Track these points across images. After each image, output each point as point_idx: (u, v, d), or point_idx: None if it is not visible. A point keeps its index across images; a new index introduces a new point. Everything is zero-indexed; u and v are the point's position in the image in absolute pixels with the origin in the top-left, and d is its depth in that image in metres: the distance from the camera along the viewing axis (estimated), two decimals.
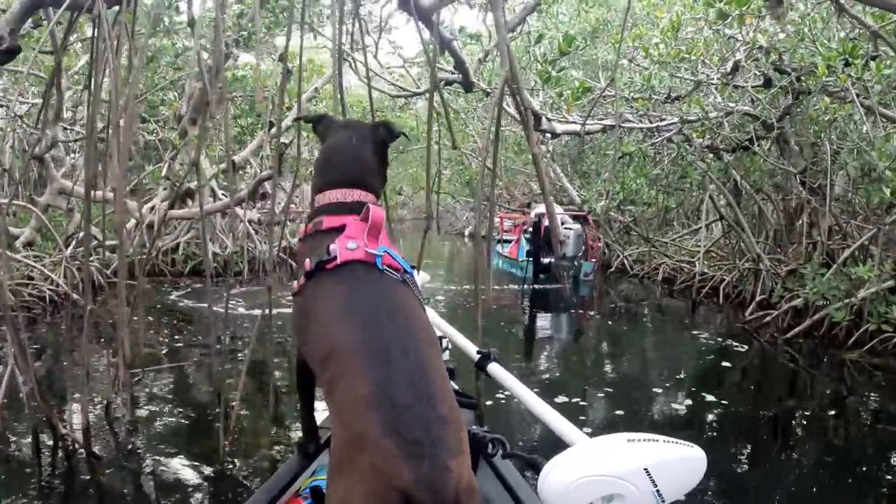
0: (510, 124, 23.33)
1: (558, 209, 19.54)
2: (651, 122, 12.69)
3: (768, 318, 12.21)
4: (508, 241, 23.87)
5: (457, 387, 3.18)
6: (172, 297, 14.13)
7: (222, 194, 15.99)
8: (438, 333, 3.01)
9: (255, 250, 16.38)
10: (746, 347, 11.31)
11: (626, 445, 1.70)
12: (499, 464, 2.67)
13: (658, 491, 1.66)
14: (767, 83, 11.30)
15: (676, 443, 1.73)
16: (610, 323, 13.98)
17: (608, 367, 10.30)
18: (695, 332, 12.83)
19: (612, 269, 20.51)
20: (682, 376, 9.66)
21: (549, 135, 11.73)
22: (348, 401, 1.79)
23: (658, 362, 10.76)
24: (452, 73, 7.93)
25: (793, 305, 11.89)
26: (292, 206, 23.53)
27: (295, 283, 2.18)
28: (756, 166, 13.90)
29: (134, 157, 17.90)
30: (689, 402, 8.14)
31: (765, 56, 10.69)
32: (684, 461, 1.73)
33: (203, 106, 15.24)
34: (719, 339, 11.99)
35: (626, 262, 20.53)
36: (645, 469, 1.65)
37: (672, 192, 20.96)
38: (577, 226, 18.87)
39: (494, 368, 2.57)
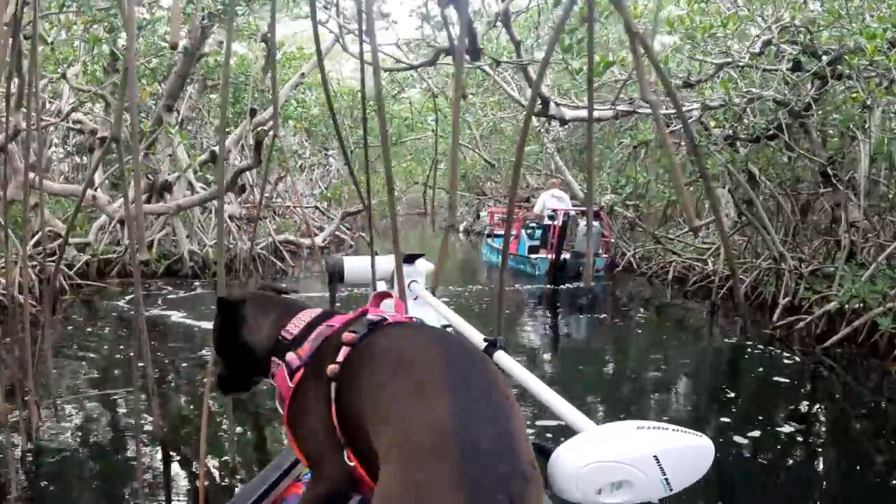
0: (510, 110, 22.60)
1: (568, 203, 19.16)
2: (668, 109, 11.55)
3: (801, 324, 11.04)
4: (501, 236, 22.79)
5: None
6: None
7: (200, 187, 14.79)
8: (443, 322, 3.25)
9: (235, 248, 15.13)
10: (780, 357, 10.08)
11: (635, 432, 1.66)
12: None
13: (666, 479, 1.61)
14: (797, 66, 10.26)
15: (685, 432, 1.69)
16: (629, 327, 12.91)
17: (643, 383, 9.05)
18: (722, 339, 11.88)
19: (620, 268, 19.35)
20: (720, 392, 8.53)
21: (556, 122, 10.72)
22: (415, 431, 1.52)
23: (692, 375, 9.53)
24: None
25: (826, 310, 10.76)
26: (276, 199, 22.68)
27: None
28: (774, 158, 12.87)
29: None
30: (729, 419, 7.13)
31: (796, 36, 9.67)
32: (693, 450, 1.68)
33: (179, 90, 14.12)
34: (748, 349, 10.75)
35: (632, 260, 19.29)
36: (654, 456, 1.60)
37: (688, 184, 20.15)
38: (596, 223, 17.70)
39: (501, 356, 2.44)
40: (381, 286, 3.70)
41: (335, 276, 3.88)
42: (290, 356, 1.95)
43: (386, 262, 3.78)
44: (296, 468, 2.66)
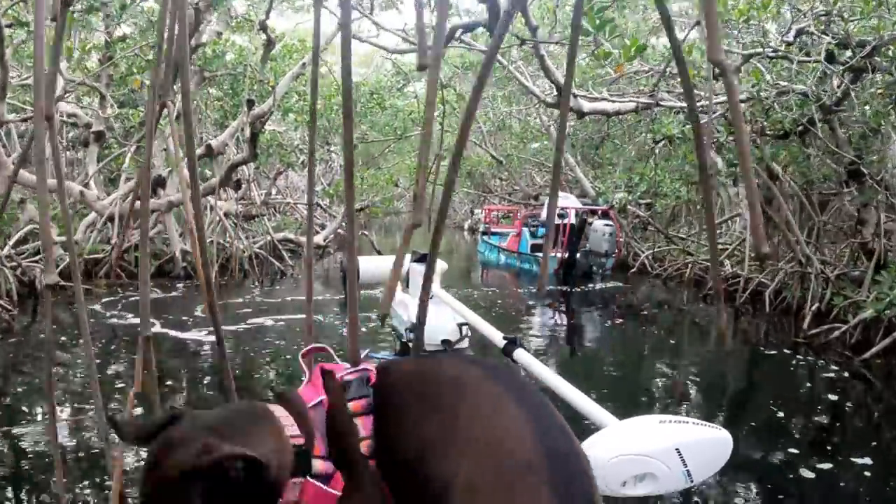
0: (520, 104, 21.87)
1: (575, 202, 18.46)
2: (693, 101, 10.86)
3: (836, 333, 10.28)
4: (499, 234, 22.67)
5: None
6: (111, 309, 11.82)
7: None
8: (460, 320, 3.54)
9: (231, 247, 14.37)
10: (817, 368, 9.30)
11: (658, 426, 1.70)
12: None
13: (688, 471, 1.64)
14: (830, 57, 9.54)
15: (705, 425, 1.72)
16: (648, 333, 12.10)
17: (667, 393, 8.27)
18: (749, 348, 10.90)
19: (634, 270, 18.47)
20: (760, 409, 7.71)
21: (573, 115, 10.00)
22: (501, 447, 1.49)
23: (722, 388, 8.66)
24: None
25: (863, 318, 10.02)
26: (276, 196, 21.99)
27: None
28: (796, 155, 12.17)
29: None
30: (775, 441, 6.31)
31: (829, 26, 8.98)
32: (713, 443, 1.71)
33: (169, 80, 13.37)
34: (781, 358, 9.92)
35: (646, 261, 18.44)
36: (676, 449, 1.63)
37: (696, 183, 19.42)
38: (610, 222, 17.58)
39: (521, 354, 2.46)
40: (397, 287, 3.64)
41: (355, 278, 3.53)
42: (320, 465, 1.68)
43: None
44: None
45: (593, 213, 17.77)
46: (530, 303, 14.52)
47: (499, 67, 11.65)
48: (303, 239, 18.73)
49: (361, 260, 4.00)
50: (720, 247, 17.42)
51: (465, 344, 3.84)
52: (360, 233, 22.17)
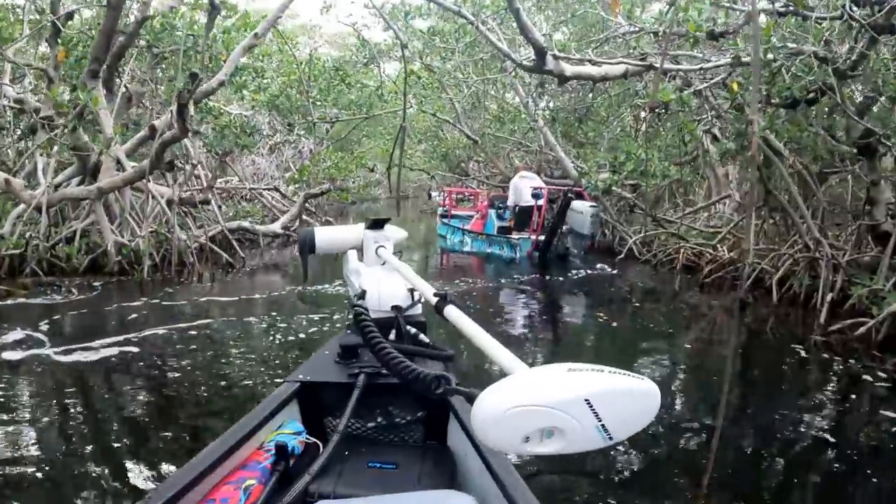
0: (495, 71, 20.52)
1: (539, 182, 17.99)
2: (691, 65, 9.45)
3: (863, 329, 8.93)
4: (459, 217, 21.58)
5: (427, 339, 3.41)
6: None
7: (132, 166, 12.55)
8: (408, 286, 3.42)
9: (173, 238, 12.82)
10: (849, 374, 7.91)
11: (565, 374, 1.47)
12: (464, 414, 2.77)
13: (603, 425, 1.45)
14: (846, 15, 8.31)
15: (624, 374, 1.48)
16: (642, 328, 10.55)
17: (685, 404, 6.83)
18: (763, 349, 9.46)
19: (622, 255, 16.89)
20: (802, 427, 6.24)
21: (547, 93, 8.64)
22: None
23: (751, 410, 6.96)
24: None
25: (893, 311, 8.71)
26: (234, 181, 20.51)
27: None
28: (803, 127, 10.89)
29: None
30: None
31: None
32: (633, 394, 1.49)
33: (104, 52, 11.91)
34: (801, 362, 8.52)
35: (634, 246, 17.01)
36: (585, 400, 1.43)
37: (686, 162, 18.15)
38: (595, 203, 16.73)
39: (451, 310, 2.35)
40: (353, 254, 4.04)
41: (306, 248, 3.92)
42: None
43: (356, 231, 3.95)
44: (258, 432, 2.67)
45: (567, 193, 16.58)
46: (513, 288, 13.11)
47: (469, 30, 10.23)
48: (260, 227, 17.26)
49: (317, 230, 4.01)
50: (711, 230, 16.18)
51: (417, 310, 3.63)
52: (324, 219, 20.84)
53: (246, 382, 6.92)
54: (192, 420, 6.01)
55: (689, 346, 9.51)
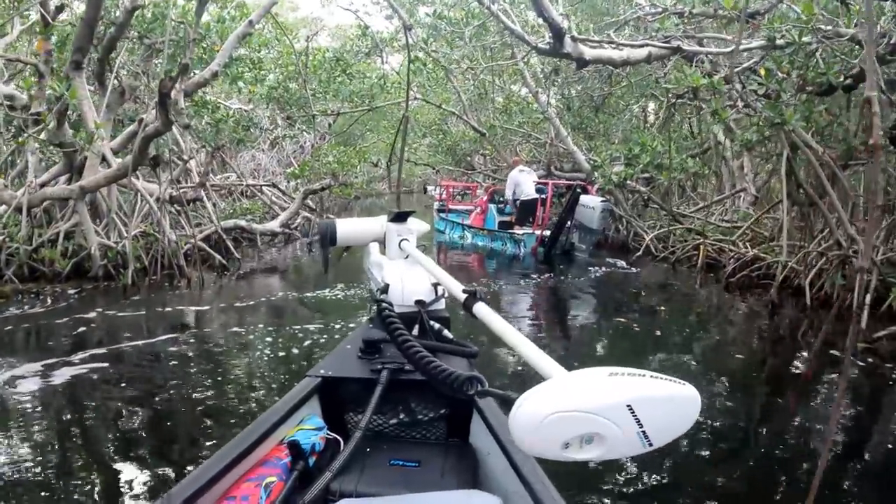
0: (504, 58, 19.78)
1: (534, 177, 17.69)
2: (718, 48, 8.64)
3: None
4: (457, 211, 21.23)
5: (451, 335, 3.31)
6: None
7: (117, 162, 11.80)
8: (432, 280, 3.39)
9: (163, 240, 12.02)
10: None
11: (606, 379, 1.44)
12: (488, 412, 2.74)
13: (644, 432, 1.42)
14: None
15: (666, 379, 1.46)
16: (664, 339, 9.46)
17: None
18: (807, 355, 8.65)
19: (640, 252, 16.13)
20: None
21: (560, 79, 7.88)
22: None
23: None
24: None
25: None
26: (221, 177, 19.74)
27: None
28: (836, 116, 10.17)
29: None
30: None
31: None
32: (674, 400, 1.47)
33: (88, 42, 11.15)
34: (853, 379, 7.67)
35: (651, 243, 16.22)
36: (627, 405, 1.40)
37: (698, 154, 17.43)
38: (605, 197, 16.25)
39: (480, 308, 2.29)
40: (374, 247, 4.02)
41: (327, 240, 3.85)
42: None
43: (378, 224, 3.85)
44: (279, 429, 2.62)
45: (569, 188, 16.27)
46: (511, 292, 12.30)
47: (478, 13, 9.47)
48: (257, 226, 16.50)
49: (339, 221, 3.90)
50: (727, 225, 15.43)
51: (440, 305, 3.48)
52: (325, 216, 20.06)
53: (233, 404, 6.17)
54: (174, 445, 5.32)
55: (718, 352, 8.69)
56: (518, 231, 16.82)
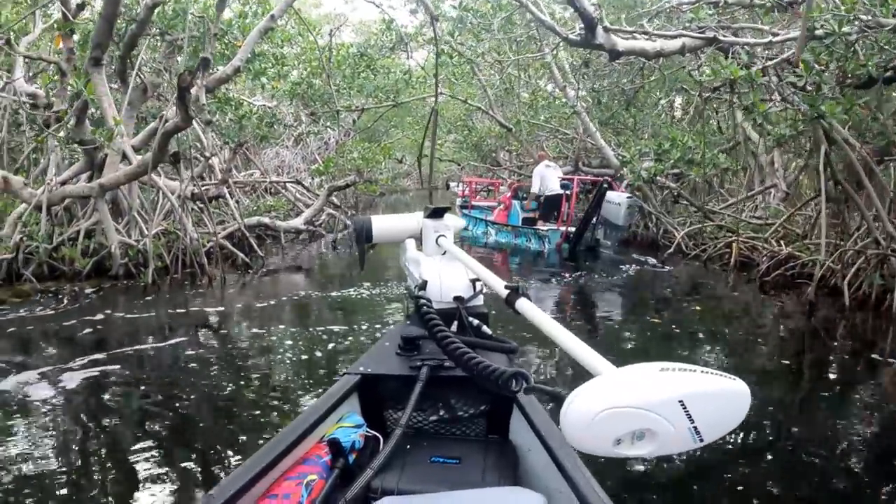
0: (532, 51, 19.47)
1: (558, 171, 17.60)
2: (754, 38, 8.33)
3: None
4: (479, 208, 21.14)
5: (490, 331, 3.28)
6: None
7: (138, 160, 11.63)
8: (471, 276, 3.37)
9: (185, 238, 11.82)
10: None
11: (658, 375, 1.44)
12: (529, 409, 2.71)
13: (695, 427, 1.41)
14: None
15: (717, 374, 1.44)
16: (714, 336, 9.27)
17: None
18: (848, 360, 8.28)
19: (671, 250, 15.72)
20: None
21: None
22: None
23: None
24: None
25: None
26: (245, 174, 19.55)
27: None
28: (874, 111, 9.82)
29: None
30: None
31: None
32: (725, 395, 1.45)
33: (107, 38, 10.98)
34: None
35: (682, 240, 15.83)
36: (679, 401, 1.39)
37: (727, 150, 17.09)
38: (627, 195, 15.84)
39: (523, 304, 2.29)
40: (410, 243, 3.97)
41: (363, 236, 3.82)
42: None
43: (414, 220, 3.82)
44: (320, 426, 2.61)
45: (594, 184, 16.43)
46: (539, 290, 11.99)
47: (505, 4, 9.19)
48: (281, 223, 16.30)
49: (374, 218, 3.86)
50: (758, 222, 15.04)
51: (479, 301, 3.39)
52: (351, 214, 19.88)
53: (258, 407, 5.95)
54: (198, 447, 5.16)
55: (755, 355, 8.35)
56: (543, 227, 16.59)
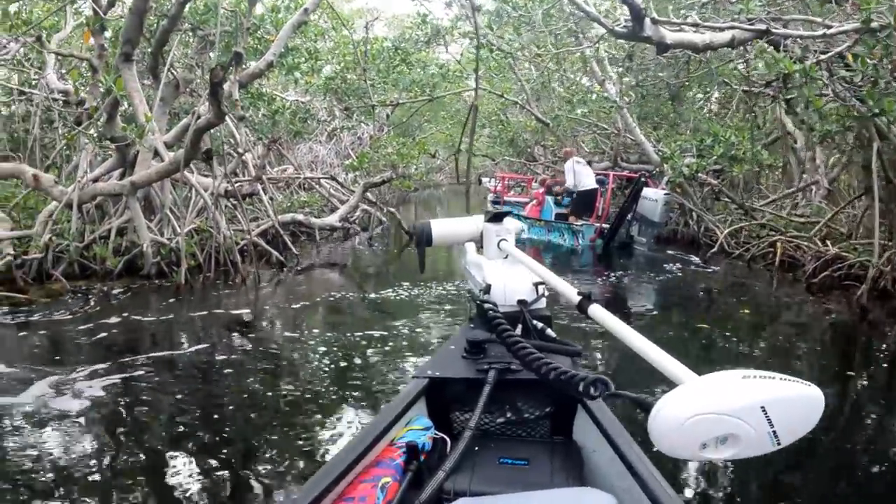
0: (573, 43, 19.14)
1: (588, 168, 17.20)
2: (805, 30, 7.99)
3: None
4: (511, 203, 20.85)
5: (554, 334, 3.36)
6: None
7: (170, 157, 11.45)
8: (535, 279, 3.42)
9: (218, 236, 11.63)
10: None
11: (741, 382, 1.47)
12: (595, 409, 2.71)
13: (774, 432, 1.46)
14: None
15: (794, 380, 1.48)
16: (766, 342, 8.89)
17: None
18: None
19: (714, 249, 15.12)
20: None
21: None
22: None
23: None
24: None
25: None
26: (278, 169, 19.36)
27: None
28: None
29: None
30: None
31: None
32: (802, 400, 1.48)
33: (137, 33, 10.80)
34: None
35: (725, 240, 15.35)
36: (761, 407, 1.44)
37: (769, 145, 16.71)
38: (664, 191, 15.54)
39: (596, 310, 2.31)
40: (471, 247, 3.97)
41: (423, 240, 3.87)
42: None
43: (473, 224, 3.87)
44: (390, 431, 2.62)
45: (629, 180, 16.40)
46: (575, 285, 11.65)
47: None
48: (316, 221, 16.12)
49: (433, 222, 3.88)
50: (801, 220, 14.59)
51: (541, 304, 3.42)
52: (386, 209, 19.66)
53: (293, 412, 5.75)
54: (233, 455, 4.93)
55: (806, 361, 8.03)
56: (576, 222, 16.35)
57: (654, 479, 2.17)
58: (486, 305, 3.02)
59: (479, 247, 3.94)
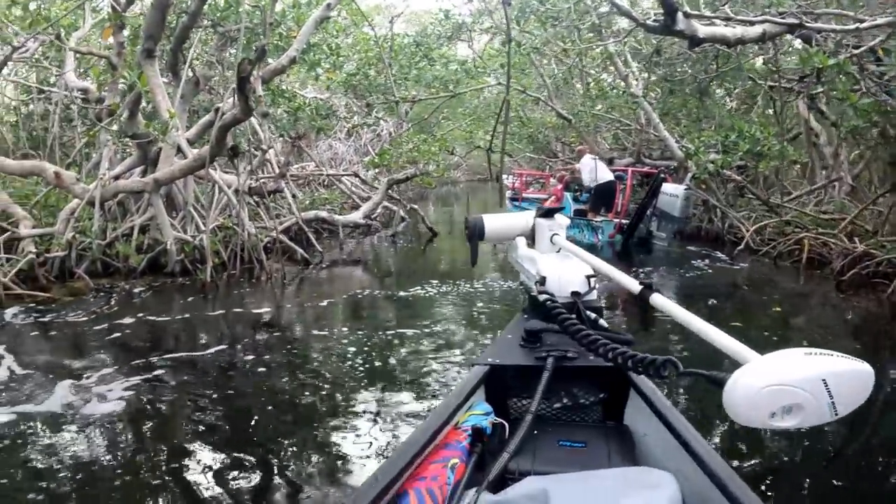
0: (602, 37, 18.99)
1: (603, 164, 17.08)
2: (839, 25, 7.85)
3: None
4: (528, 200, 20.61)
5: (606, 324, 3.56)
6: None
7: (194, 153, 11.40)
8: (587, 272, 3.54)
9: (242, 234, 11.61)
10: None
11: (804, 357, 1.65)
12: (650, 394, 2.80)
13: (833, 403, 1.62)
14: None
15: (848, 357, 1.66)
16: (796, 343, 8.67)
17: None
18: None
19: (741, 247, 14.74)
20: None
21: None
22: None
23: None
24: None
25: None
26: (298, 166, 19.31)
27: None
28: None
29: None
30: None
31: None
32: (857, 375, 1.66)
33: (160, 29, 10.76)
34: None
35: (750, 237, 15.13)
36: (823, 380, 1.61)
37: (791, 140, 16.51)
38: (689, 184, 15.50)
39: (657, 298, 2.53)
40: (521, 241, 4.09)
41: (475, 235, 4.01)
42: None
43: (524, 219, 4.04)
44: (455, 416, 2.73)
45: (647, 175, 16.49)
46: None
47: None
48: (339, 217, 16.07)
49: (486, 217, 4.06)
50: (825, 217, 14.38)
51: (593, 295, 3.56)
52: (409, 206, 19.58)
53: (321, 414, 5.67)
54: (263, 458, 4.85)
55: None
56: (596, 218, 16.27)
57: (715, 461, 2.23)
58: (544, 297, 3.24)
59: (530, 242, 4.04)
